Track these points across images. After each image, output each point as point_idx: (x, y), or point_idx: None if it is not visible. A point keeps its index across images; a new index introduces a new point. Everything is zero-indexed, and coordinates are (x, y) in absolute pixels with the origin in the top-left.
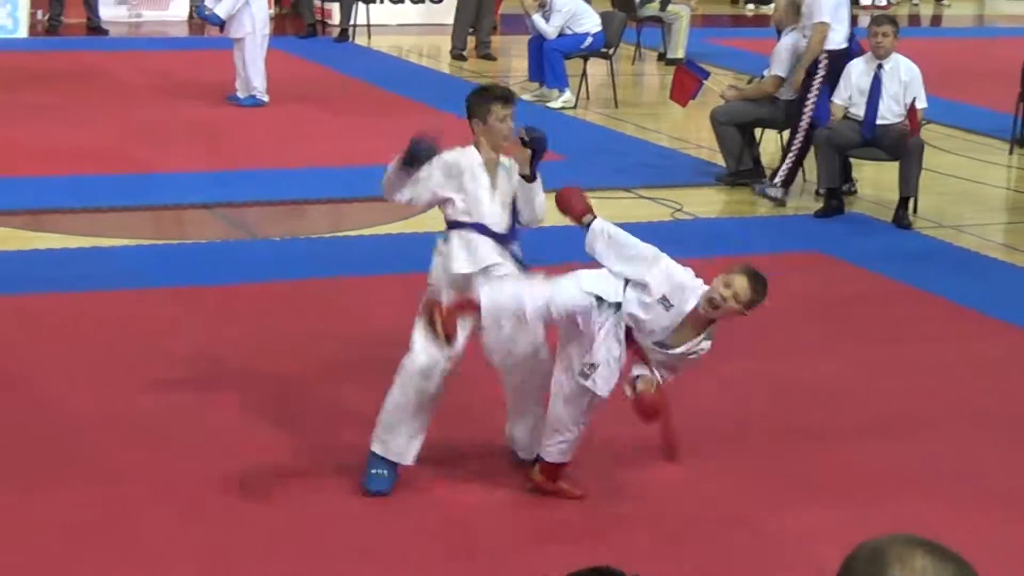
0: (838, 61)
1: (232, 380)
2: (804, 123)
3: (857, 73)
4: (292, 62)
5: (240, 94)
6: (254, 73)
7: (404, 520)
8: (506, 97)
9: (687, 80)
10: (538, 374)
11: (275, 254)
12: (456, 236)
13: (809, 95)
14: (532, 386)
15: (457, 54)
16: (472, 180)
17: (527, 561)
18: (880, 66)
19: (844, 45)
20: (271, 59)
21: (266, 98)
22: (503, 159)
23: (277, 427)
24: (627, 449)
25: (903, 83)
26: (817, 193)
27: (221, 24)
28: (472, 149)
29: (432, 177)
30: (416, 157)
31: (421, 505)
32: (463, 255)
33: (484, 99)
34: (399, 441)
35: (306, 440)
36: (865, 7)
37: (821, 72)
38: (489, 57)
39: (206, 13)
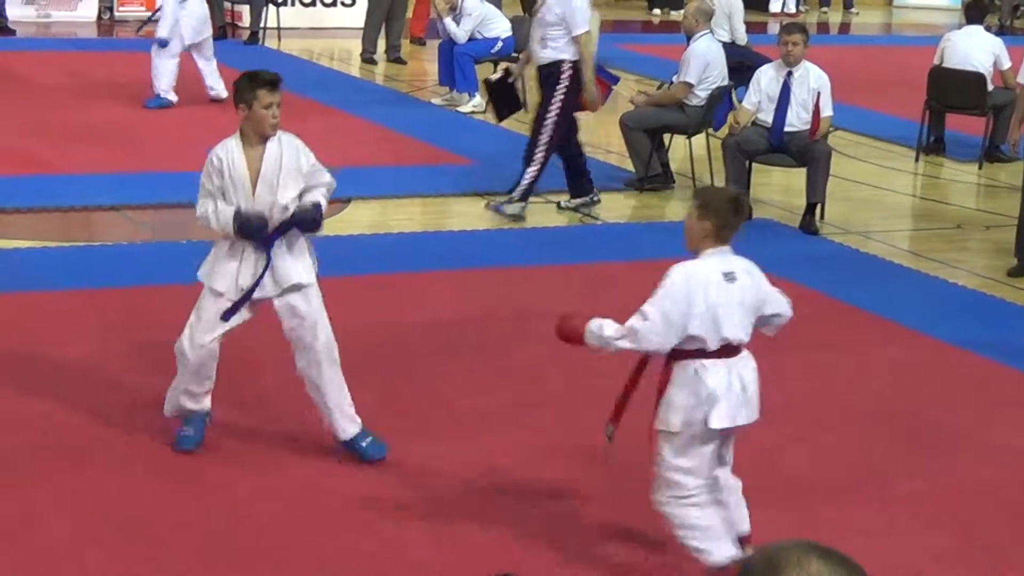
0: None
1: (138, 381)
2: (545, 138)
3: (767, 80)
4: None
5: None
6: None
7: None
8: (273, 82)
9: (597, 86)
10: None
11: (182, 256)
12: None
13: (551, 106)
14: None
15: (367, 58)
16: (231, 169)
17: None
18: (790, 73)
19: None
20: (183, 61)
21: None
22: (272, 142)
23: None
24: (539, 455)
25: (812, 90)
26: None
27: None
28: (233, 138)
29: (211, 181)
30: (247, 233)
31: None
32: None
33: (251, 84)
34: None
35: (210, 437)
36: (775, 14)
37: (564, 82)
38: (399, 61)
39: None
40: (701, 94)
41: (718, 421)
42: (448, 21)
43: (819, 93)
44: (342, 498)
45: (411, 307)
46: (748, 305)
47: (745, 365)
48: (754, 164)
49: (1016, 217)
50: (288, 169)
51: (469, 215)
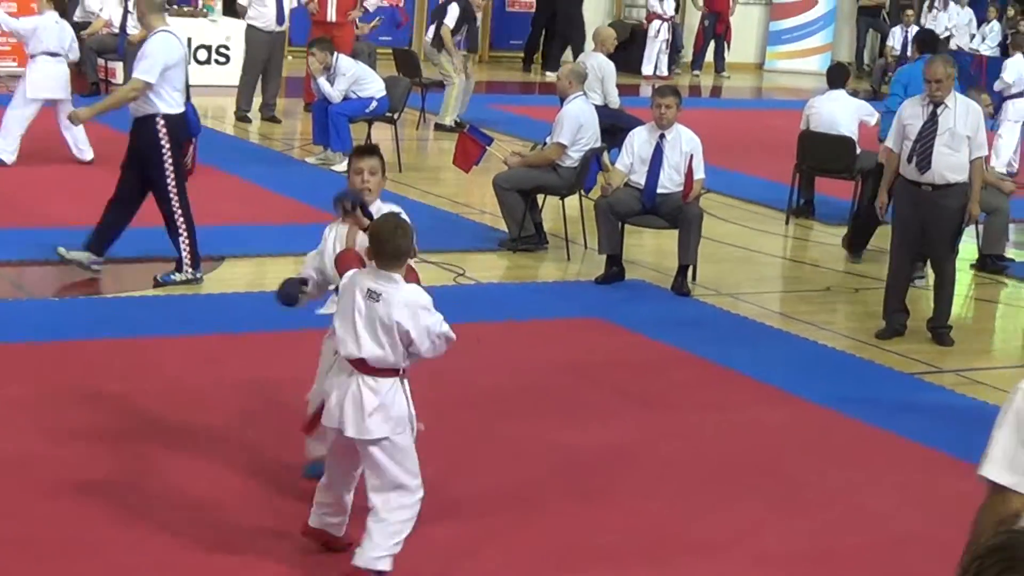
0: (177, 124)
1: (10, 439)
2: (174, 205)
3: (639, 141)
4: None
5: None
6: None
7: None
8: (368, 150)
9: (470, 146)
10: None
11: (51, 314)
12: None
13: (163, 173)
14: None
15: (242, 116)
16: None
17: None
18: (662, 136)
19: (180, 109)
20: (49, 116)
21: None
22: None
23: (56, 482)
24: None
25: (684, 153)
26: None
27: None
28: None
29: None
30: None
31: None
32: None
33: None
34: None
35: (85, 500)
36: (647, 77)
37: (163, 140)
38: (274, 119)
39: None
40: (574, 155)
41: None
42: (322, 81)
43: (691, 156)
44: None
45: (284, 364)
46: (383, 325)
47: (371, 385)
48: (626, 225)
49: (883, 280)
50: None
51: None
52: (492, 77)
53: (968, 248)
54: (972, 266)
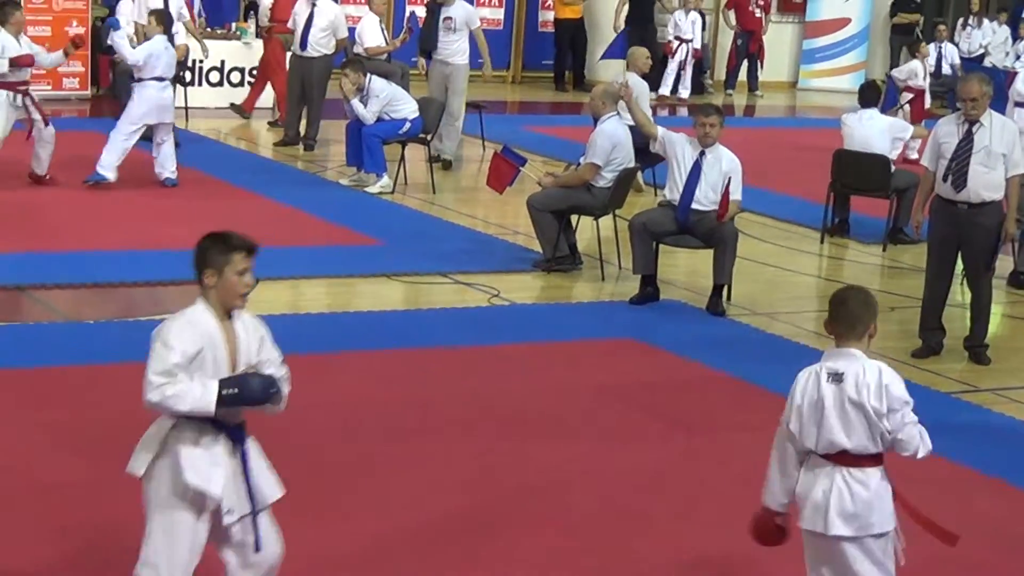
0: None
1: (47, 465)
2: None
3: (680, 146)
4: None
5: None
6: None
7: None
8: (250, 248)
9: (504, 167)
10: None
11: (89, 337)
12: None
13: None
14: None
15: (287, 141)
16: (213, 347)
17: None
18: (703, 153)
19: None
20: (90, 140)
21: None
22: (238, 319)
23: (92, 511)
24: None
25: (723, 173)
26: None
27: None
28: (200, 309)
29: (182, 355)
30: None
31: None
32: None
33: (225, 247)
34: None
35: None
36: (661, 97)
37: None
38: (310, 148)
39: None
40: (608, 175)
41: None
42: (355, 102)
43: (730, 177)
44: None
45: (316, 389)
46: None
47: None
48: (661, 245)
49: (919, 298)
50: (261, 345)
51: (377, 295)
52: (524, 97)
53: (1002, 266)
54: (1008, 283)
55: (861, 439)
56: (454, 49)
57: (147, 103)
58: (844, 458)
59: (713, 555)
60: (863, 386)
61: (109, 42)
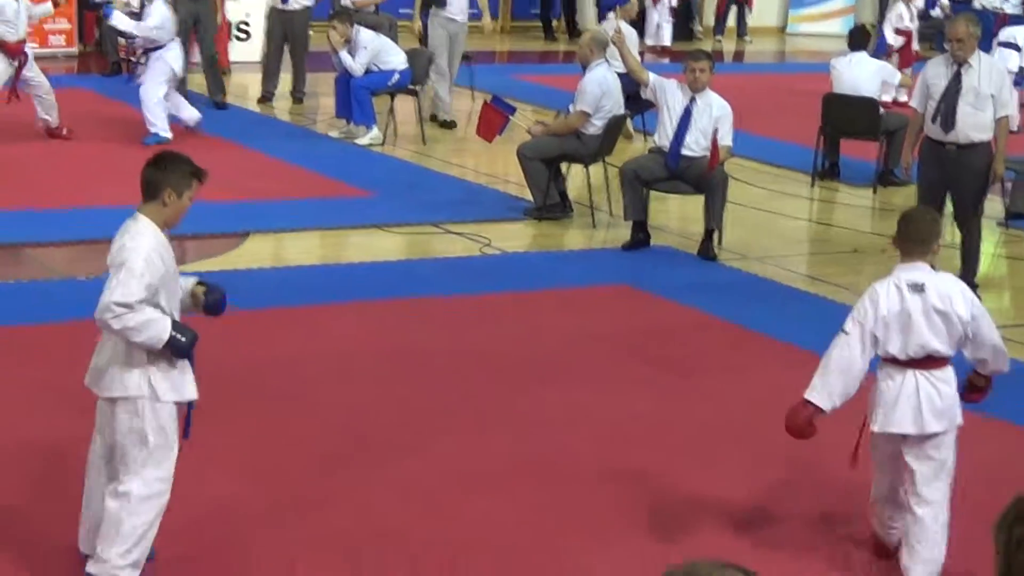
0: None
1: (46, 422)
2: None
3: (671, 93)
4: (96, 100)
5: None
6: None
7: None
8: (204, 176)
9: (494, 116)
10: None
11: (80, 294)
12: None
13: None
14: None
15: (264, 96)
16: (167, 261)
17: None
18: (693, 99)
19: None
20: (76, 97)
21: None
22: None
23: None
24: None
25: (713, 118)
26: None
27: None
28: (147, 223)
29: (154, 275)
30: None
31: None
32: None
33: (192, 174)
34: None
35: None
36: (650, 48)
37: None
38: (299, 101)
39: None
40: (598, 123)
41: None
42: (344, 54)
43: (718, 126)
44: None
45: (308, 339)
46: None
47: None
48: (651, 192)
49: None
50: None
51: (369, 247)
52: (514, 47)
53: (992, 207)
54: (999, 224)
55: (944, 343)
56: (461, 5)
57: (168, 66)
58: (927, 362)
59: (707, 498)
60: (945, 296)
61: (111, 24)
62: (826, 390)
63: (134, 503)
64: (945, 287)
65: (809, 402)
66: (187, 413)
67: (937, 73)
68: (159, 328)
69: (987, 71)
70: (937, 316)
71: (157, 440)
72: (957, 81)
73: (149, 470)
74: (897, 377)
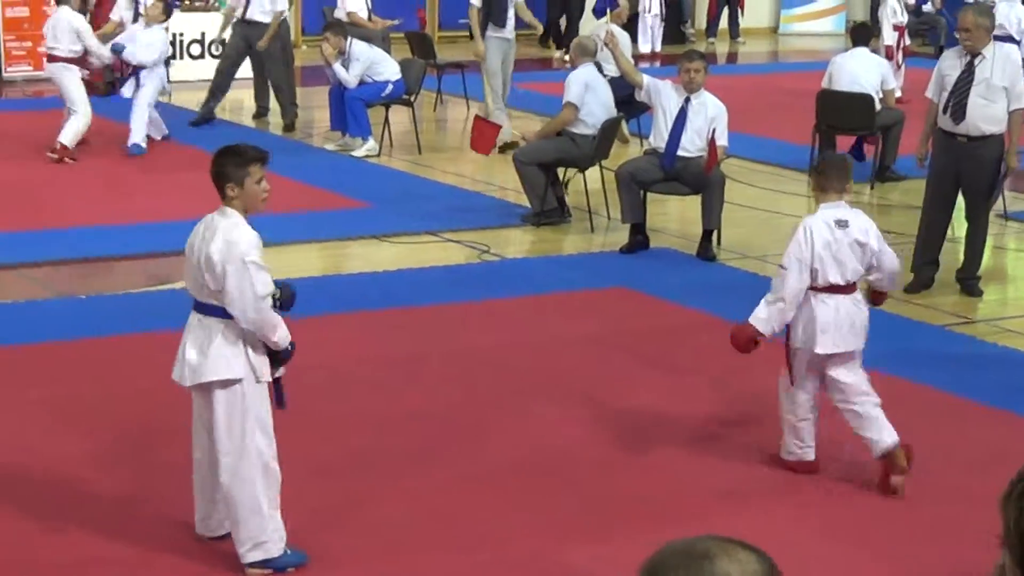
0: None
1: (45, 441)
2: None
3: (666, 94)
4: (94, 120)
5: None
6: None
7: None
8: (264, 158)
9: (486, 128)
10: None
11: (81, 312)
12: None
13: None
14: None
15: (259, 112)
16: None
17: None
18: (688, 99)
19: None
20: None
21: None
22: None
23: (80, 489)
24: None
25: (709, 119)
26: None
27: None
28: (239, 216)
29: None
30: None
31: None
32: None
33: (243, 160)
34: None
35: (110, 500)
36: (644, 55)
37: None
38: (292, 127)
39: None
40: (589, 122)
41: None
42: (337, 67)
43: (715, 127)
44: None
45: (311, 350)
46: None
47: None
48: (649, 194)
49: (911, 235)
50: None
51: (368, 257)
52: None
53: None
54: (999, 216)
55: (861, 270)
56: (512, 22)
57: (160, 83)
58: (847, 288)
59: (713, 486)
60: (863, 230)
61: (124, 59)
62: (769, 319)
63: (244, 479)
64: (863, 222)
65: (757, 329)
66: (277, 387)
67: (951, 64)
68: (285, 328)
69: (1001, 63)
70: (859, 247)
71: (260, 415)
72: (969, 72)
73: (251, 443)
74: (830, 302)
